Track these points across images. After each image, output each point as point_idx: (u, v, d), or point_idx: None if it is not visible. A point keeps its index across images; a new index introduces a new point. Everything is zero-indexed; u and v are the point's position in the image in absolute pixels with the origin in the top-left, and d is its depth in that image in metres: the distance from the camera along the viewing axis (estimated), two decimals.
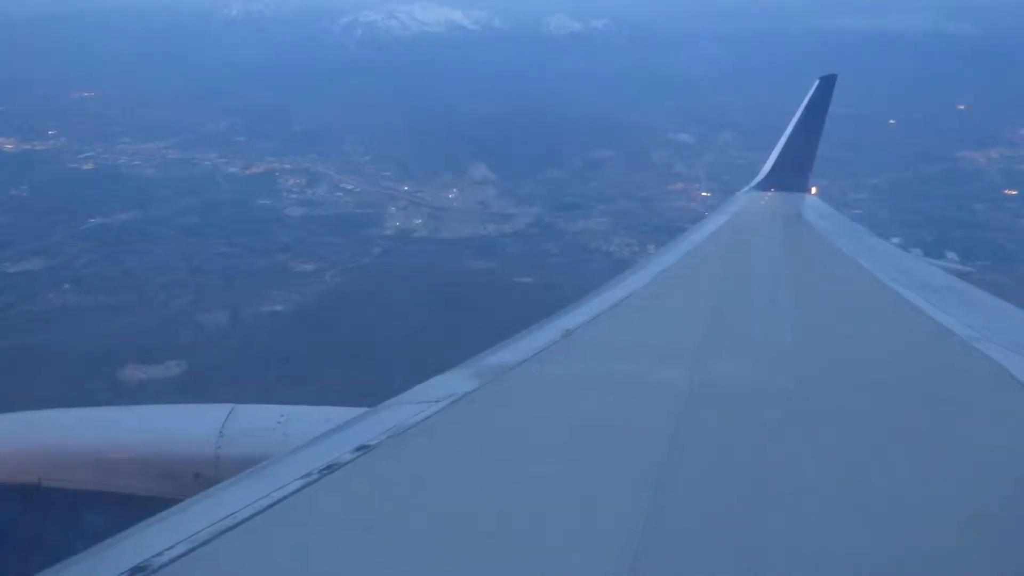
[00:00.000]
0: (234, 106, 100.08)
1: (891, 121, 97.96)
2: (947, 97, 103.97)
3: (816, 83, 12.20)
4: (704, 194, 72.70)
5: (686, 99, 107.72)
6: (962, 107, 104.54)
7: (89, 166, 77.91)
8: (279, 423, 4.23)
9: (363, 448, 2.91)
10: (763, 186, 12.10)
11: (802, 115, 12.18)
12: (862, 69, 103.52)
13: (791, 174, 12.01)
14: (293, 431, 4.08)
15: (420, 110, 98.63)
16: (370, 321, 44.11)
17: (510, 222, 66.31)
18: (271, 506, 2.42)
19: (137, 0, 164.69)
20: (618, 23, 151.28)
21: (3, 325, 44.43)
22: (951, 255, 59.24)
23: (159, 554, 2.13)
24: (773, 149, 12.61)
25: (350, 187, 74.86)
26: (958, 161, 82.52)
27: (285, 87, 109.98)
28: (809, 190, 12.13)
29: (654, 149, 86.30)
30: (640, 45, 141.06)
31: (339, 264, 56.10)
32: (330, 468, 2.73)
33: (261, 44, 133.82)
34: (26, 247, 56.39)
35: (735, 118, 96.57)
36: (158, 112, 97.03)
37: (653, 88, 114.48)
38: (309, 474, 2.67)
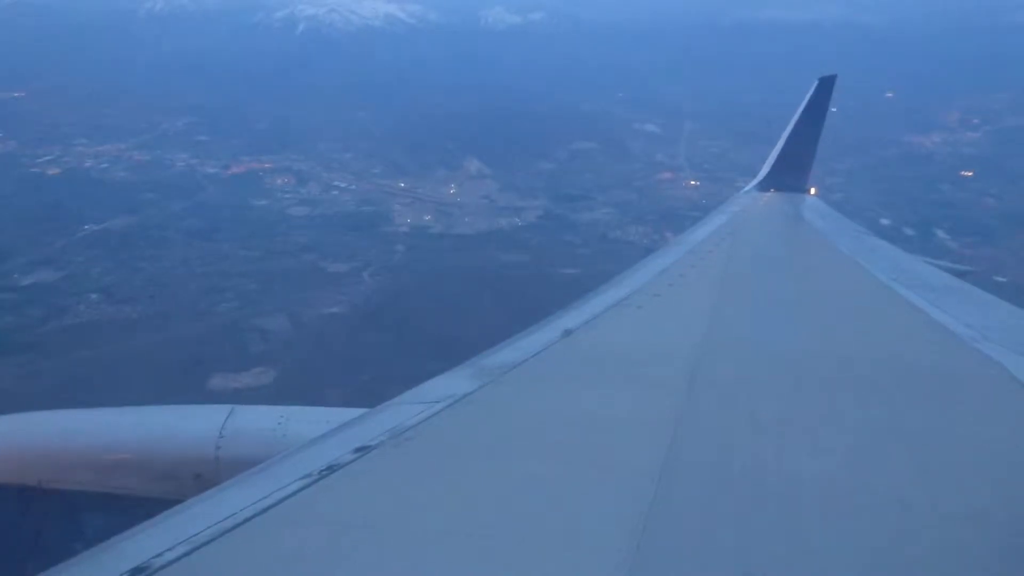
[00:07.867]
0: (186, 104, 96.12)
1: (833, 108, 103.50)
2: (872, 85, 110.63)
3: (815, 84, 12.12)
4: (693, 183, 75.36)
5: (635, 91, 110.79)
6: (890, 95, 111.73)
7: (55, 170, 73.34)
8: (279, 424, 4.27)
9: (363, 449, 2.92)
10: (763, 186, 12.13)
11: (801, 116, 12.11)
12: (791, 59, 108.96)
13: (791, 174, 12.05)
14: (293, 432, 4.12)
15: (386, 105, 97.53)
16: (439, 317, 43.69)
17: (520, 215, 66.56)
18: (271, 507, 2.44)
19: None
20: (555, 16, 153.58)
21: (46, 341, 41.76)
22: (940, 233, 63.98)
23: (159, 555, 2.14)
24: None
25: (343, 185, 73.40)
26: (907, 145, 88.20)
27: (234, 83, 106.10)
28: (808, 190, 12.15)
29: (628, 140, 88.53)
30: (579, 38, 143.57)
31: (372, 263, 55.09)
32: (330, 469, 2.74)
33: (193, 39, 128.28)
34: (29, 257, 52.86)
35: (689, 108, 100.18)
36: (105, 111, 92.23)
37: (601, 80, 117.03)
38: (309, 475, 2.69)
